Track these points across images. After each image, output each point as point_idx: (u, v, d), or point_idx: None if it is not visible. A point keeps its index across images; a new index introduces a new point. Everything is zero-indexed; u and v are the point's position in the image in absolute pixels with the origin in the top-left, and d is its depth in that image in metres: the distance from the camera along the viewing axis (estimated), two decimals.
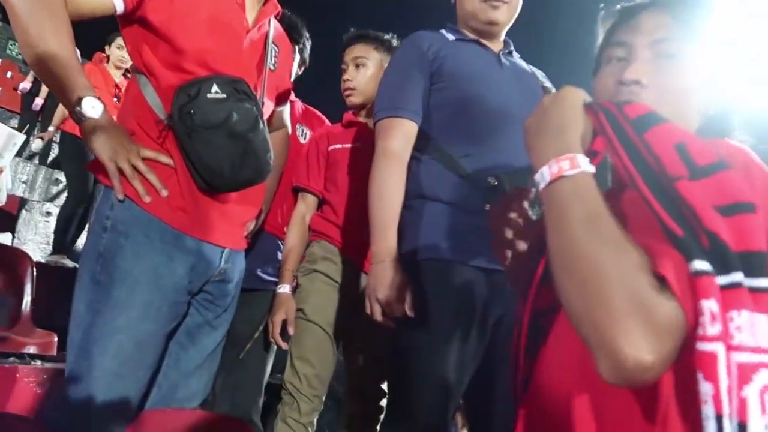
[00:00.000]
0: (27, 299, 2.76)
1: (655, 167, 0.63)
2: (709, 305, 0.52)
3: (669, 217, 0.58)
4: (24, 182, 5.38)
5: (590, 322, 0.55)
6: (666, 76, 0.75)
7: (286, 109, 1.76)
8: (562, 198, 0.64)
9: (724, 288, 0.53)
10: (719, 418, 0.51)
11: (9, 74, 9.26)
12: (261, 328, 1.92)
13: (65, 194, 5.28)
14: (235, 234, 1.41)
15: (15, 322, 2.68)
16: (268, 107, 1.49)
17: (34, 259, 2.95)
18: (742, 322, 0.53)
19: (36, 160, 6.08)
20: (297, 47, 2.09)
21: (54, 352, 2.70)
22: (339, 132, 2.03)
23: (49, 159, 6.27)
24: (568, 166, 0.66)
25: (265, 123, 1.38)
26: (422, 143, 1.47)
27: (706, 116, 0.77)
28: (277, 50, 1.50)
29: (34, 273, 2.86)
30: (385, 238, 1.36)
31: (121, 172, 1.22)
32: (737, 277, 0.53)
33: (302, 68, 2.21)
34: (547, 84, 1.63)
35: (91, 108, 1.17)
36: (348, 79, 1.98)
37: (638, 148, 0.66)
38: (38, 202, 4.85)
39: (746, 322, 0.53)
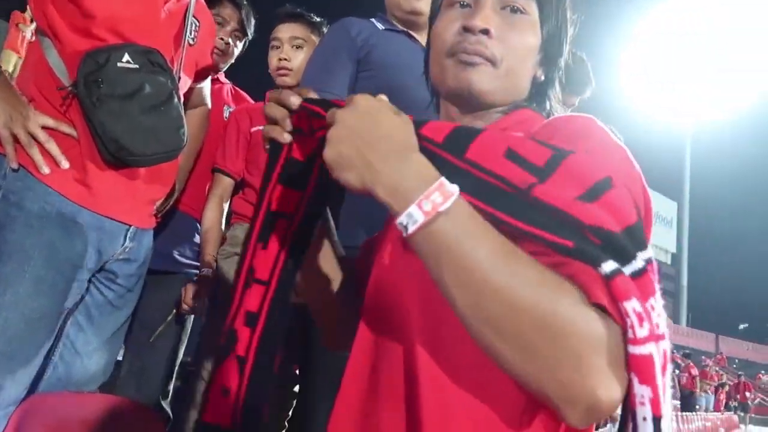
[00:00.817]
0: None
1: (501, 186, 0.56)
2: (632, 306, 0.49)
3: (549, 233, 0.52)
4: None
5: (550, 381, 0.49)
6: (513, 30, 0.74)
7: (206, 86, 1.71)
8: (449, 242, 0.52)
9: (633, 278, 0.50)
10: (657, 420, 0.50)
11: None
12: (174, 311, 1.86)
13: None
14: (141, 211, 1.36)
15: None
16: (185, 82, 1.45)
17: None
18: (657, 306, 0.51)
19: None
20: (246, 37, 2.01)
21: None
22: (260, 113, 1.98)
23: None
24: (440, 198, 0.53)
25: (181, 98, 1.34)
26: None
27: (534, 82, 0.77)
28: (197, 24, 1.45)
29: None
30: None
31: (15, 139, 1.14)
32: (638, 262, 0.51)
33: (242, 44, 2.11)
34: None
35: None
36: (285, 59, 1.91)
37: (469, 173, 0.57)
38: None
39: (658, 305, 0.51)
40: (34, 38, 1.32)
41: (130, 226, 1.32)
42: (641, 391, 0.49)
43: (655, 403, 0.49)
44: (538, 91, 0.78)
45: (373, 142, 0.55)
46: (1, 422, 1.10)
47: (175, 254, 1.86)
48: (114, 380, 1.51)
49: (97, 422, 1.23)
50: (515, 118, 0.75)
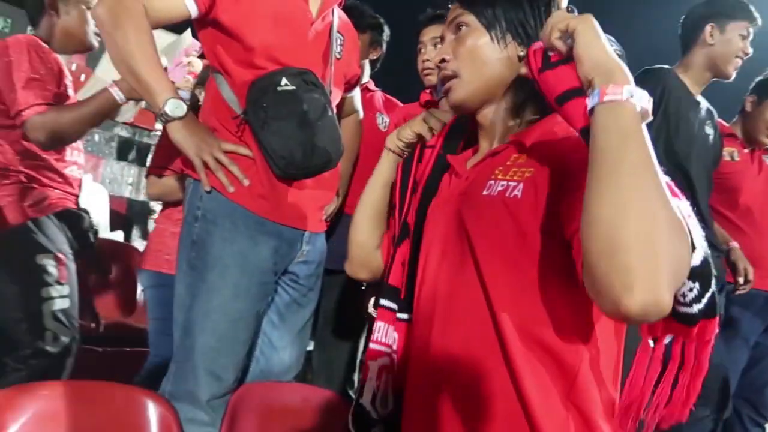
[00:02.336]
0: (139, 290, 3.04)
1: None
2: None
3: None
4: (130, 184, 5.86)
5: (638, 260, 0.56)
6: (461, 44, 0.89)
7: (356, 95, 1.80)
8: (630, 123, 0.62)
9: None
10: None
11: None
12: (353, 307, 2.00)
13: None
14: (313, 217, 1.48)
15: (131, 310, 2.96)
16: (336, 94, 1.54)
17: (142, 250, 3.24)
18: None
19: (138, 163, 6.58)
20: (367, 35, 2.12)
21: None
22: (418, 112, 2.04)
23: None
24: (639, 93, 0.64)
25: (334, 110, 1.43)
26: None
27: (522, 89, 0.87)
28: (342, 38, 1.54)
29: None
30: None
31: (206, 165, 1.32)
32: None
33: (376, 56, 2.23)
34: None
35: (175, 108, 1.27)
36: (428, 59, 1.98)
37: None
38: (144, 201, 5.27)
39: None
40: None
41: (305, 231, 1.45)
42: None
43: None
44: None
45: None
46: (221, 408, 1.29)
47: (335, 254, 1.99)
48: (305, 372, 1.66)
49: (296, 408, 1.38)
50: (541, 130, 0.83)
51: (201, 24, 1.38)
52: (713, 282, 0.64)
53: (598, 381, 0.72)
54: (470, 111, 0.90)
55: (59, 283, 1.70)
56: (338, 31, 1.52)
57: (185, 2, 1.29)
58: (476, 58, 0.87)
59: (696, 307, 0.64)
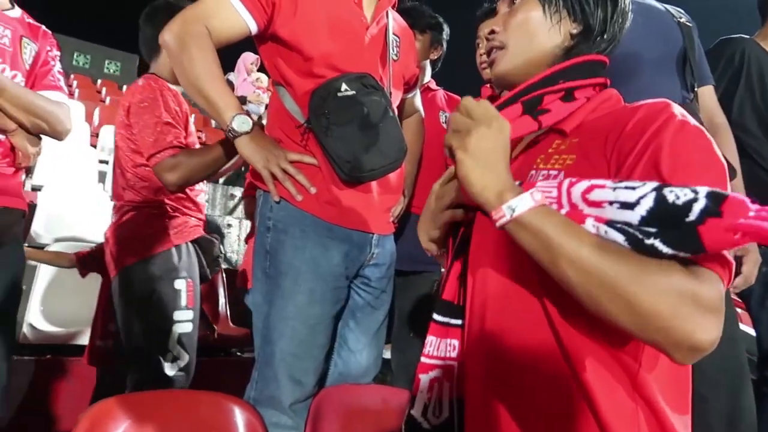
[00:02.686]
0: (222, 302, 3.17)
1: None
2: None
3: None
4: (206, 201, 6.13)
5: (657, 330, 0.58)
6: (512, 15, 0.87)
7: (416, 95, 1.79)
8: (546, 227, 0.63)
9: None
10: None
11: None
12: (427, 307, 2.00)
13: (241, 207, 5.91)
14: (380, 220, 1.49)
15: (216, 321, 3.09)
16: (396, 95, 1.54)
17: (223, 267, 3.38)
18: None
19: (213, 180, 6.88)
20: (428, 35, 2.12)
21: (251, 345, 3.08)
22: None
23: (224, 178, 7.06)
24: (539, 197, 0.65)
25: (395, 111, 1.44)
26: None
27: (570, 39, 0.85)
28: (398, 40, 1.54)
29: (225, 279, 3.29)
30: None
31: (273, 176, 1.35)
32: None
33: (437, 55, 2.23)
34: None
35: (242, 124, 1.31)
36: (485, 53, 1.96)
37: None
38: (219, 216, 5.50)
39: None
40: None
41: (374, 234, 1.45)
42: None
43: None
44: (579, 41, 0.84)
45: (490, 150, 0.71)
46: (304, 411, 1.32)
47: (419, 255, 1.99)
48: (383, 374, 1.67)
49: (377, 410, 1.39)
50: (584, 112, 0.80)
51: (261, 39, 1.43)
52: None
53: (661, 368, 0.70)
54: (512, 85, 0.86)
55: (187, 308, 1.82)
56: (394, 33, 1.53)
57: (245, 20, 1.34)
58: (525, 30, 0.86)
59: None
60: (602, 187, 0.63)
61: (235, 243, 5.00)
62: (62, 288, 2.71)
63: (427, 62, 2.20)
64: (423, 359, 0.86)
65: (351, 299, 1.48)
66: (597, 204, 0.63)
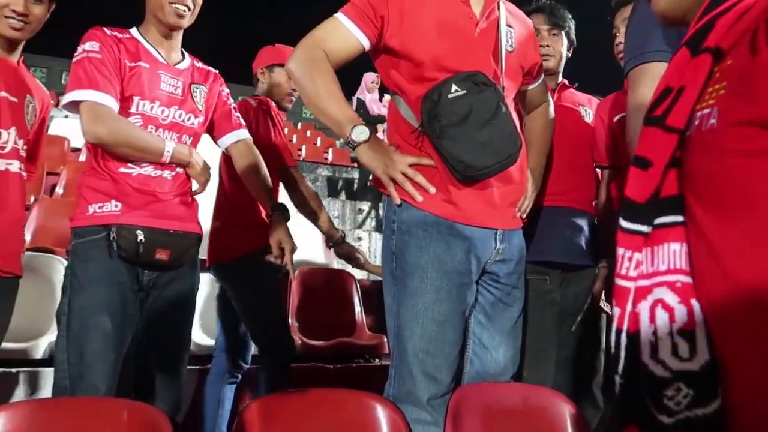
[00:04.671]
0: (357, 310, 3.30)
1: None
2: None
3: None
4: (336, 217, 6.43)
5: None
6: None
7: (541, 84, 1.73)
8: None
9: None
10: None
11: (308, 133, 11.40)
12: (589, 300, 1.95)
13: (370, 220, 6.12)
14: (504, 215, 1.47)
15: (352, 330, 3.22)
16: (512, 87, 1.53)
17: (358, 278, 3.53)
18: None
19: (342, 197, 7.21)
20: (563, 31, 2.09)
21: (386, 351, 3.16)
22: (622, 100, 1.95)
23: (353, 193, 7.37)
24: None
25: (509, 105, 1.42)
26: None
27: None
28: (512, 31, 1.52)
29: (359, 288, 3.43)
30: None
31: (393, 181, 1.39)
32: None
33: (570, 50, 2.18)
34: None
35: (360, 134, 1.38)
36: (622, 42, 1.88)
37: None
38: (350, 230, 5.73)
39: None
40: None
41: (497, 229, 1.44)
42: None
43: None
44: None
45: None
46: (442, 407, 1.33)
47: (577, 248, 1.97)
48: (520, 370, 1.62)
49: (517, 408, 1.36)
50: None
51: (375, 53, 1.49)
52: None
53: None
54: (674, 21, 0.79)
55: None
56: (508, 25, 1.51)
57: (358, 38, 1.41)
58: None
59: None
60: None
61: (366, 254, 5.17)
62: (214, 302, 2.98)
63: (563, 61, 2.14)
64: (624, 283, 0.64)
65: (481, 296, 1.47)
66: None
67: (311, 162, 9.21)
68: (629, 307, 0.62)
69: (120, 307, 1.52)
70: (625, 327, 0.62)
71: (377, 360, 3.06)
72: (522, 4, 1.87)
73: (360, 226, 6.27)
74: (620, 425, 0.63)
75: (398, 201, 1.41)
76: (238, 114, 1.86)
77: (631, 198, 0.65)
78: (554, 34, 2.07)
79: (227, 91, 1.86)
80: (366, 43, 1.43)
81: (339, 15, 1.43)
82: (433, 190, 1.39)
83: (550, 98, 1.80)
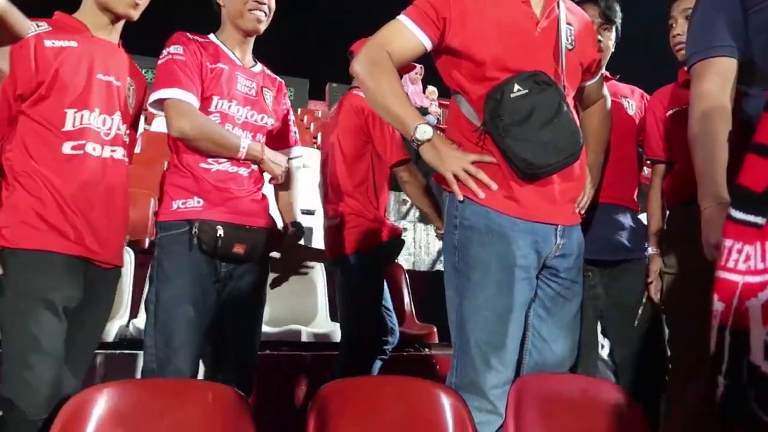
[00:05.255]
0: (407, 300, 3.37)
1: None
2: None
3: None
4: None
5: None
6: None
7: (599, 80, 1.74)
8: None
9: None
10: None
11: None
12: (646, 294, 1.98)
13: (413, 211, 6.17)
14: (564, 210, 1.49)
15: (401, 320, 3.29)
16: (572, 85, 1.55)
17: (405, 268, 3.60)
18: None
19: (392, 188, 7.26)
20: (613, 26, 2.08)
21: (436, 341, 3.22)
22: (677, 93, 1.93)
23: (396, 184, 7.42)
24: None
25: (569, 104, 1.44)
26: (747, 75, 1.31)
27: None
28: (572, 29, 1.54)
29: (407, 279, 3.49)
30: (713, 184, 1.26)
31: (456, 177, 1.44)
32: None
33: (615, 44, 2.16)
34: None
35: (423, 133, 1.43)
36: (679, 34, 1.87)
37: None
38: (395, 221, 5.79)
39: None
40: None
41: (557, 225, 1.47)
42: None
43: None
44: None
45: None
46: (503, 397, 1.38)
47: (624, 243, 1.99)
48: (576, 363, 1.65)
49: (576, 400, 1.40)
50: None
51: (437, 53, 1.53)
52: None
53: None
54: None
55: None
56: (567, 23, 1.52)
57: (421, 39, 1.46)
58: None
59: None
60: None
61: (411, 246, 5.22)
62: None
63: (609, 53, 2.13)
64: (731, 276, 0.62)
65: (541, 290, 1.51)
66: None
67: None
68: (735, 302, 0.58)
69: (201, 297, 1.63)
70: (729, 324, 0.58)
71: (427, 350, 3.12)
72: None
73: (404, 217, 6.32)
74: (724, 426, 0.60)
75: (461, 197, 1.46)
76: (296, 129, 1.96)
77: (746, 186, 0.62)
78: (606, 29, 2.06)
79: (289, 103, 1.97)
80: (428, 44, 1.47)
81: (402, 17, 1.47)
82: (495, 186, 1.43)
83: (608, 94, 1.80)
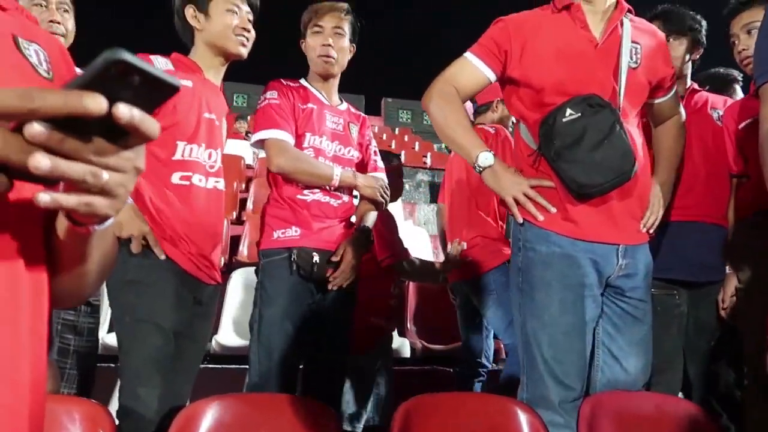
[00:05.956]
0: None
1: None
2: None
3: None
4: None
5: None
6: None
7: (672, 97, 1.72)
8: None
9: None
10: None
11: (406, 138, 11.65)
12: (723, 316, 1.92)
13: None
14: (626, 229, 1.53)
15: None
16: (634, 104, 1.57)
17: None
18: None
19: None
20: (683, 36, 2.04)
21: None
22: (749, 105, 1.91)
23: None
24: None
25: (623, 124, 1.47)
26: None
27: None
28: (638, 47, 1.57)
29: None
30: None
31: (516, 201, 1.52)
32: None
33: (698, 53, 2.10)
34: None
35: (485, 160, 1.52)
36: (744, 49, 1.87)
37: None
38: None
39: None
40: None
41: (618, 245, 1.51)
42: None
43: None
44: None
45: None
46: (573, 412, 1.43)
47: (712, 263, 1.94)
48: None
49: (651, 416, 1.43)
50: None
51: (501, 83, 1.64)
52: None
53: None
54: None
55: None
56: (633, 41, 1.55)
57: (485, 73, 1.57)
58: None
59: None
60: None
61: None
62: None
63: (689, 65, 2.09)
64: None
65: (607, 308, 1.55)
66: None
67: (410, 167, 9.33)
68: None
69: (299, 317, 1.79)
70: None
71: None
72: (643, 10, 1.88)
73: None
74: None
75: (520, 220, 1.54)
76: (377, 157, 2.09)
77: None
78: (676, 40, 2.01)
79: (371, 134, 2.13)
80: (492, 76, 1.57)
81: (467, 54, 1.58)
82: (553, 210, 1.50)
83: (682, 110, 1.80)
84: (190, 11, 1.71)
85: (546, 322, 1.48)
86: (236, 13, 1.70)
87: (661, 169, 1.70)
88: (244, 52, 1.74)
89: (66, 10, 1.80)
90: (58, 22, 1.74)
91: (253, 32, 1.76)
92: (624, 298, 1.55)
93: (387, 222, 2.36)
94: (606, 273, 1.51)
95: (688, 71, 2.08)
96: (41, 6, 1.73)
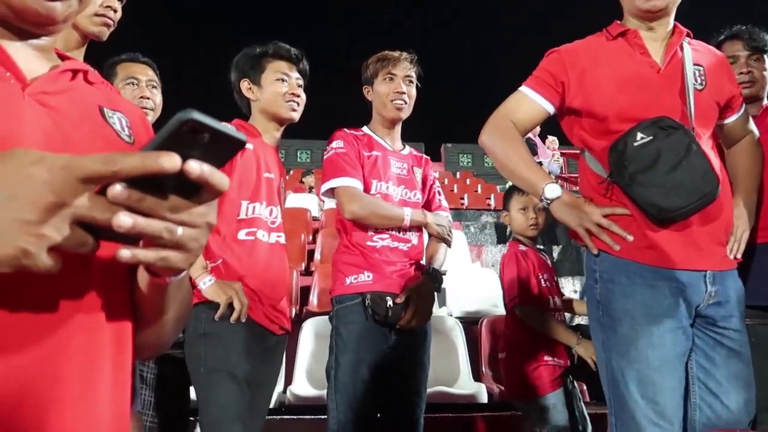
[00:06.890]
0: None
1: None
2: None
3: None
4: None
5: None
6: None
7: (742, 116, 1.66)
8: None
9: None
10: None
11: (468, 181, 11.66)
12: None
13: None
14: (712, 255, 1.44)
15: None
16: (706, 125, 1.51)
17: None
18: None
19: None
20: (765, 55, 1.97)
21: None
22: None
23: None
24: None
25: (699, 145, 1.41)
26: None
27: None
28: (701, 69, 1.53)
29: None
30: None
31: (589, 232, 1.46)
32: None
33: None
34: None
35: (552, 192, 1.48)
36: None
37: None
38: None
39: None
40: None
41: (706, 271, 1.41)
42: None
43: None
44: None
45: None
46: None
47: None
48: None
49: None
50: None
51: (560, 114, 1.60)
52: None
53: None
54: None
55: None
56: (696, 64, 1.51)
57: (543, 106, 1.55)
58: None
59: None
60: None
61: None
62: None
63: None
64: None
65: (699, 339, 1.44)
66: None
67: (474, 210, 9.32)
68: None
69: (376, 362, 1.78)
70: None
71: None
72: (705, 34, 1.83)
73: None
74: None
75: (595, 251, 1.47)
76: (441, 196, 2.12)
77: None
78: (756, 59, 1.95)
79: (434, 174, 2.17)
80: (550, 109, 1.55)
81: (523, 88, 1.57)
82: (630, 238, 1.42)
83: (755, 129, 1.71)
84: (245, 84, 1.87)
85: (633, 357, 1.38)
86: (285, 80, 1.83)
87: (741, 190, 1.60)
88: (296, 116, 1.86)
89: (154, 86, 1.97)
90: (148, 98, 1.92)
91: (303, 96, 1.87)
92: (717, 328, 1.43)
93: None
94: (694, 302, 1.41)
95: (766, 92, 1.99)
96: (133, 84, 1.91)
